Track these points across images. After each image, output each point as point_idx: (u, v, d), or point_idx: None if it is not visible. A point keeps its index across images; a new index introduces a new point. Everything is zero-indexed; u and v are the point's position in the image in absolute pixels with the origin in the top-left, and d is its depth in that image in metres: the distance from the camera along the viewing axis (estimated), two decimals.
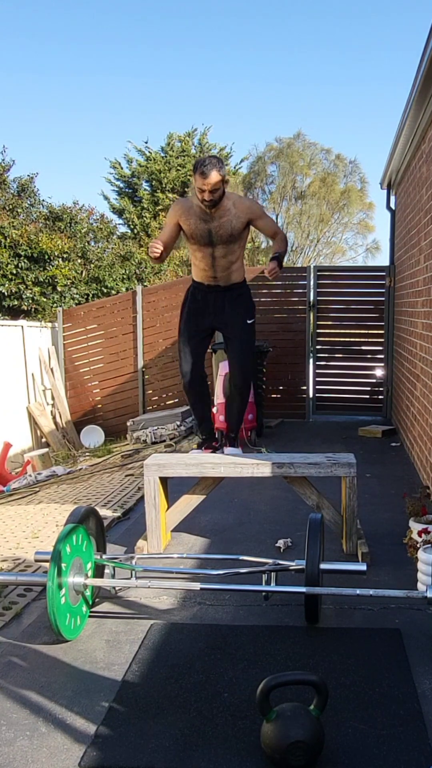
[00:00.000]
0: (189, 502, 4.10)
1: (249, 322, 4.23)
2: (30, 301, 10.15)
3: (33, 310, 10.22)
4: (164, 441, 7.87)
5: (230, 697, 2.46)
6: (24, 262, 10.20)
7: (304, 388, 9.07)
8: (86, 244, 12.50)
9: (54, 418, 9.32)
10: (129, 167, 22.20)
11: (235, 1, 36.83)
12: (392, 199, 8.83)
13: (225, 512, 4.75)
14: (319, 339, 9.04)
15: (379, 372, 8.95)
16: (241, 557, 3.35)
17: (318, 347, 9.05)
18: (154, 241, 3.96)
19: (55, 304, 10.39)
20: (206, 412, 4.43)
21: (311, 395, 9.04)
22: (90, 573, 3.14)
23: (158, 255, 3.93)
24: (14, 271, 10.05)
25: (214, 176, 3.72)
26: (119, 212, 21.46)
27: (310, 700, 2.17)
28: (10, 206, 12.88)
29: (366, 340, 9.13)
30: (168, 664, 2.70)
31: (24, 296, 10.07)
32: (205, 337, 4.31)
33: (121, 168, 22.23)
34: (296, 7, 36.30)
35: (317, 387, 9.07)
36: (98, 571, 3.28)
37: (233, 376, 4.31)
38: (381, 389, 8.95)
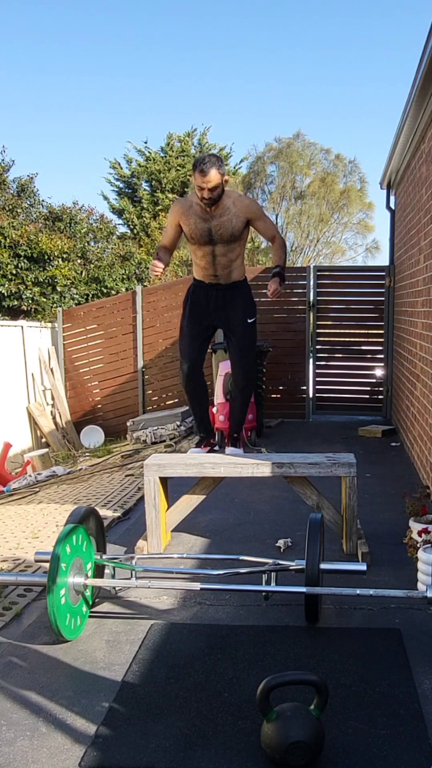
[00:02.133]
0: (189, 502, 4.10)
1: (250, 320, 4.22)
2: (30, 302, 10.15)
3: (33, 310, 10.22)
4: (164, 441, 7.87)
5: (230, 697, 2.46)
6: (24, 263, 10.20)
7: (304, 388, 9.07)
8: (86, 244, 12.50)
9: (54, 418, 9.32)
10: (129, 167, 22.20)
11: (235, 1, 36.84)
12: (392, 198, 8.83)
13: (225, 512, 4.75)
14: (319, 339, 9.04)
15: (379, 372, 8.95)
16: (241, 557, 3.35)
17: (318, 347, 9.05)
18: (154, 262, 3.98)
19: (54, 305, 10.39)
20: (205, 411, 4.42)
21: (311, 395, 9.04)
22: (90, 573, 3.14)
23: (159, 275, 3.97)
24: (14, 272, 10.05)
25: (214, 174, 3.72)
26: (119, 212, 21.46)
27: (310, 700, 2.17)
28: (10, 206, 12.88)
29: (366, 340, 9.13)
30: (168, 664, 2.70)
31: (24, 296, 10.07)
32: (207, 336, 4.30)
33: (121, 168, 22.23)
34: (296, 7, 36.30)
35: (317, 387, 9.07)
36: (98, 572, 3.27)
37: (235, 375, 4.31)
38: (381, 389, 8.95)
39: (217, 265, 4.05)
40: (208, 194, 3.78)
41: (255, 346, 4.36)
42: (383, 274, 8.80)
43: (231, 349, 4.31)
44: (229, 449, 4.35)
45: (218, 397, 7.08)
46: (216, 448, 4.56)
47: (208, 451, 4.40)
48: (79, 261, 11.49)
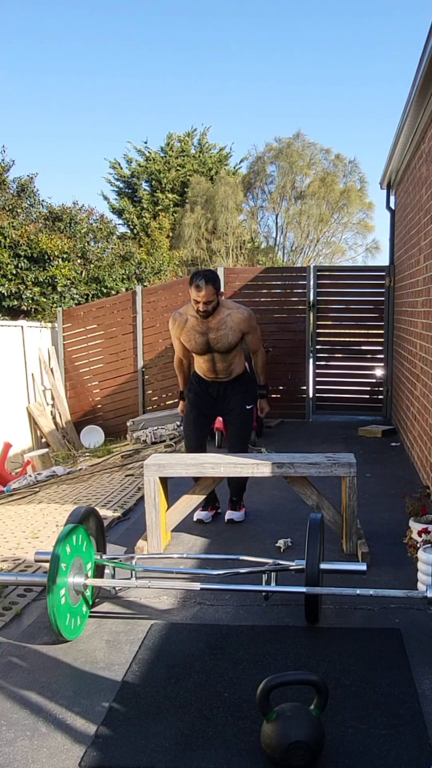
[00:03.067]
0: (189, 502, 4.10)
1: (248, 407, 4.42)
2: (30, 302, 10.14)
3: (33, 310, 10.22)
4: (164, 441, 7.87)
5: (230, 697, 2.46)
6: (24, 263, 10.19)
7: (304, 388, 9.07)
8: (86, 244, 12.49)
9: (54, 418, 9.32)
10: (128, 167, 22.21)
11: (235, 1, 36.84)
12: (392, 198, 8.83)
13: (225, 512, 4.74)
14: (318, 339, 9.03)
15: (378, 372, 8.95)
16: (241, 557, 3.35)
17: (318, 347, 9.04)
18: (181, 410, 4.53)
19: (54, 305, 10.38)
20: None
21: (311, 395, 9.04)
22: (90, 573, 3.14)
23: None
24: (14, 272, 10.05)
25: (209, 290, 3.93)
26: (119, 212, 21.47)
27: (310, 700, 2.17)
28: (10, 206, 12.87)
29: (366, 340, 9.12)
30: (168, 664, 2.70)
31: (24, 296, 10.06)
32: (209, 423, 4.58)
33: (121, 168, 22.24)
34: (296, 7, 36.32)
35: (317, 387, 9.07)
36: (98, 572, 3.27)
37: (232, 453, 4.40)
38: (381, 389, 8.95)
39: (218, 368, 4.30)
40: (203, 307, 4.00)
41: (251, 428, 4.58)
42: (383, 274, 8.79)
43: (228, 430, 4.55)
44: (230, 513, 4.50)
45: None
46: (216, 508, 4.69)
47: (213, 515, 4.60)
48: (79, 261, 11.49)
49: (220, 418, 6.67)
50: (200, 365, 4.35)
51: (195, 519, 4.49)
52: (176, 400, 9.15)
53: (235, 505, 4.53)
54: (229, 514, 4.49)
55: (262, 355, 4.45)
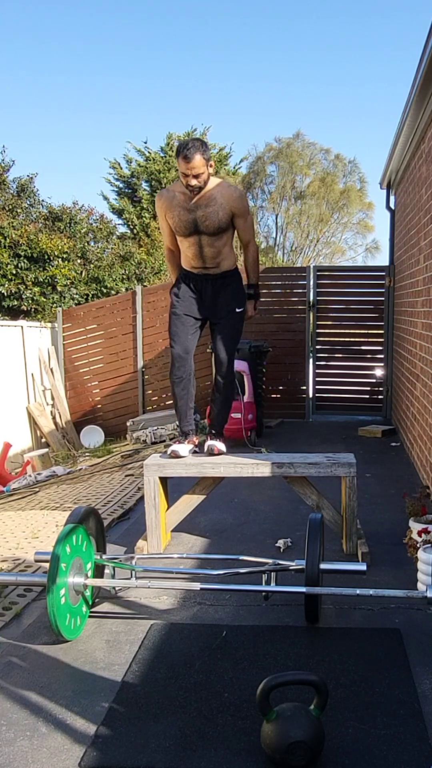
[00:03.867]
0: (189, 502, 4.09)
1: (238, 310, 4.06)
2: (30, 302, 10.14)
3: (33, 310, 10.22)
4: (164, 441, 7.87)
5: (230, 697, 2.46)
6: (24, 263, 10.19)
7: (304, 388, 9.07)
8: (86, 244, 12.49)
9: (54, 418, 9.31)
10: (128, 167, 22.20)
11: (235, 1, 36.84)
12: (392, 198, 8.83)
13: (225, 512, 4.74)
14: (318, 339, 9.03)
15: (378, 372, 8.95)
16: (241, 557, 3.35)
17: (318, 347, 9.04)
18: None
19: (54, 305, 10.39)
20: (190, 404, 4.23)
21: (311, 395, 9.04)
22: (90, 573, 3.14)
23: None
24: (14, 272, 10.05)
25: (198, 160, 3.58)
26: (119, 212, 21.46)
27: (310, 700, 2.16)
28: (10, 206, 12.87)
29: (366, 340, 9.12)
30: (168, 664, 2.70)
31: (24, 296, 10.06)
32: (199, 326, 4.12)
33: (121, 168, 22.23)
34: (296, 7, 36.33)
35: (317, 387, 9.07)
36: (98, 572, 3.27)
37: (218, 364, 4.11)
38: (381, 389, 8.95)
39: (205, 255, 3.91)
40: (193, 181, 3.65)
41: (240, 336, 4.16)
42: (383, 274, 8.80)
43: (215, 336, 4.09)
44: (209, 442, 4.09)
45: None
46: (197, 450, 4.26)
47: (193, 449, 4.19)
48: (79, 261, 11.49)
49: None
50: (186, 253, 3.96)
51: (169, 452, 4.03)
52: None
53: (216, 437, 4.14)
54: (211, 443, 4.06)
55: (254, 248, 4.04)
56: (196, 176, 3.64)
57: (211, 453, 4.03)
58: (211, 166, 3.71)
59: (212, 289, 4.03)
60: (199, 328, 4.12)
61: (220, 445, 4.08)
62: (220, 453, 4.06)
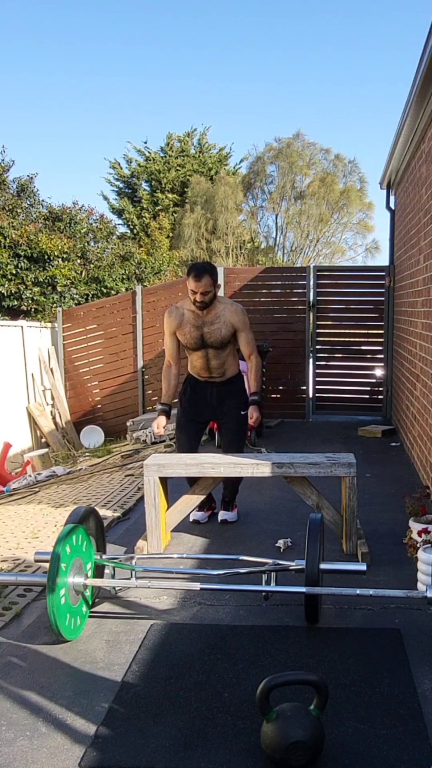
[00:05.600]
0: (189, 502, 4.10)
1: (243, 413, 4.39)
2: (30, 302, 10.14)
3: (33, 310, 10.22)
4: (164, 441, 7.87)
5: (230, 697, 2.46)
6: (24, 263, 10.19)
7: (304, 388, 9.07)
8: (86, 244, 12.49)
9: (54, 418, 9.31)
10: (128, 167, 22.21)
11: (235, 1, 36.85)
12: (392, 198, 8.83)
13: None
14: (318, 339, 9.03)
15: (378, 372, 8.95)
16: (241, 557, 3.35)
17: (318, 347, 9.04)
18: (158, 420, 4.36)
19: (54, 305, 10.39)
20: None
21: (311, 395, 9.04)
22: (90, 573, 3.14)
23: (163, 433, 4.37)
24: (14, 272, 10.05)
25: (206, 280, 3.98)
26: (119, 212, 21.48)
27: (310, 700, 2.16)
28: (10, 206, 12.87)
29: (366, 340, 9.12)
30: (168, 664, 2.70)
31: (24, 296, 10.06)
32: (203, 429, 4.54)
33: (121, 168, 22.24)
34: (296, 7, 36.34)
35: (317, 387, 9.07)
36: (98, 572, 3.27)
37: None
38: (381, 389, 8.95)
39: (211, 366, 4.30)
40: (200, 297, 4.03)
41: (245, 434, 4.55)
42: (383, 274, 8.79)
43: (223, 436, 4.52)
44: (223, 513, 4.52)
45: None
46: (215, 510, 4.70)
47: (209, 516, 4.61)
48: (79, 261, 11.49)
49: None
50: (194, 363, 4.34)
51: (191, 519, 4.50)
52: (176, 400, 9.13)
53: (228, 506, 4.55)
54: (223, 515, 4.52)
55: (256, 360, 4.36)
56: (204, 293, 4.03)
57: (224, 521, 4.50)
58: (218, 287, 4.12)
59: (217, 394, 4.39)
60: (203, 426, 4.54)
61: (230, 516, 4.54)
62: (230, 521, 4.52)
